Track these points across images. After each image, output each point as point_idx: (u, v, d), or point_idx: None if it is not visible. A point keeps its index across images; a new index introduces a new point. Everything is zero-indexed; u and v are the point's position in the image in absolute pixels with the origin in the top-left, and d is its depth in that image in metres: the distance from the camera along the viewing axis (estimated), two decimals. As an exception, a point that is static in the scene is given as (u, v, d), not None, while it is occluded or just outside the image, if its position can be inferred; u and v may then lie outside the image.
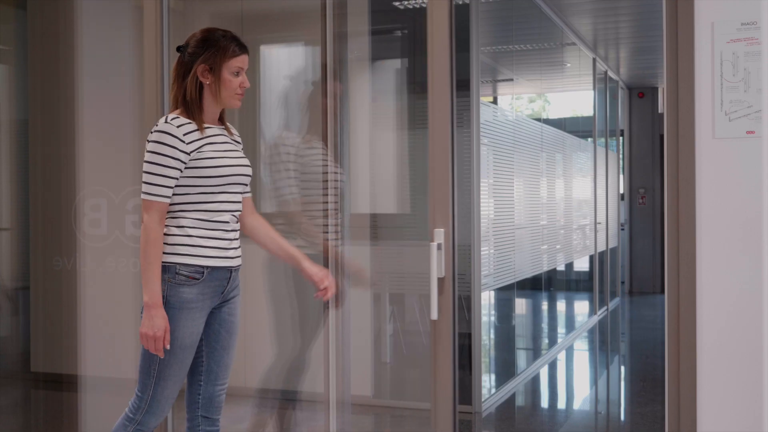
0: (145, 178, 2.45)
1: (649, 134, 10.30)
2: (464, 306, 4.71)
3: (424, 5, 5.00)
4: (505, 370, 5.51)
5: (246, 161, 2.61)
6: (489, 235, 4.84)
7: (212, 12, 4.51)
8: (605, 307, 8.24)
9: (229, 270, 2.57)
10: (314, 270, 2.74)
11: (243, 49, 2.57)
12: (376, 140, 4.88)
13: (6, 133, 4.51)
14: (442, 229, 2.68)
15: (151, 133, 2.47)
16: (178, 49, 2.56)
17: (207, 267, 2.50)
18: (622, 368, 6.39)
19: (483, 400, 4.63)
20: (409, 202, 4.93)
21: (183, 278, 2.47)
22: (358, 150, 4.71)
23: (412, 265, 4.90)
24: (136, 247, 3.94)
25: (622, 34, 7.31)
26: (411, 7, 5.09)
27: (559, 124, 7.65)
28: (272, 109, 3.79)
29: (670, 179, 2.51)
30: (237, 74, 2.55)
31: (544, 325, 7.18)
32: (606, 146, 8.61)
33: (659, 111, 10.28)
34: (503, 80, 6.87)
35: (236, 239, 2.59)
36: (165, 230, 2.49)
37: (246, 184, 2.62)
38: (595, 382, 5.91)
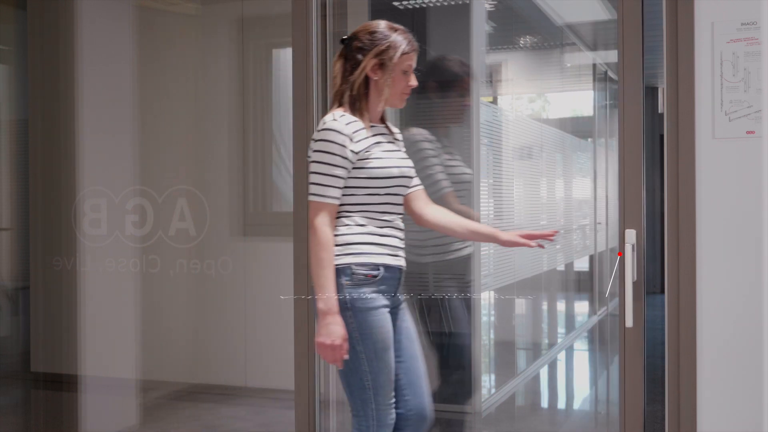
0: (314, 179, 2.31)
1: (649, 134, 10.29)
2: (464, 306, 4.71)
3: (424, 5, 5.00)
4: (505, 370, 5.51)
5: (409, 162, 2.48)
6: (489, 235, 4.83)
7: (230, 17, 4.52)
8: (605, 308, 8.23)
9: (400, 270, 2.43)
10: (513, 237, 2.49)
11: (415, 46, 2.43)
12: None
13: (6, 133, 4.50)
14: (634, 230, 2.55)
15: (318, 131, 2.33)
16: (343, 41, 2.43)
17: (383, 264, 2.36)
18: (622, 368, 6.38)
19: (483, 400, 4.62)
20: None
21: (361, 277, 2.32)
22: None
23: (411, 265, 4.89)
24: (136, 247, 3.94)
25: (622, 34, 7.30)
26: (411, 7, 5.08)
27: (559, 124, 7.64)
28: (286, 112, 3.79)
29: (670, 179, 2.51)
30: (406, 73, 2.42)
31: (544, 325, 7.18)
32: (606, 146, 8.60)
33: (659, 111, 10.27)
34: (503, 80, 6.87)
35: (403, 240, 2.46)
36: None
37: (408, 186, 2.49)
38: (595, 382, 5.90)
